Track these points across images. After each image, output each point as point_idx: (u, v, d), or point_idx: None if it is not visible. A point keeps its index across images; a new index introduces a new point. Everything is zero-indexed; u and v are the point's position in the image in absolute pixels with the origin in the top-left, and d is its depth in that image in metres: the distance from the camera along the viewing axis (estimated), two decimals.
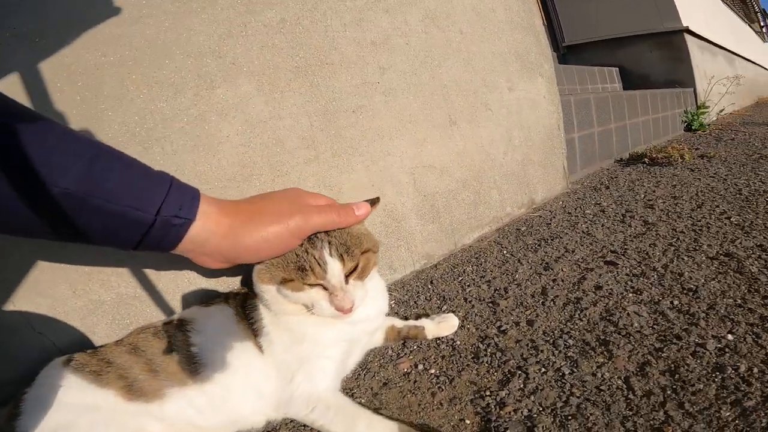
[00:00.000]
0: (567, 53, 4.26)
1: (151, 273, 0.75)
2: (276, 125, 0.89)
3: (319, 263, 0.61)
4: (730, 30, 5.72)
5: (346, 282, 0.65)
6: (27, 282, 0.66)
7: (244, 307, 0.72)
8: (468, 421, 0.65)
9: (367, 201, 0.69)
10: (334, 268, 0.63)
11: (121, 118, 0.70)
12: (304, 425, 0.67)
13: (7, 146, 0.39)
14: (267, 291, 0.66)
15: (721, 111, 3.98)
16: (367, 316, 0.73)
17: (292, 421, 0.68)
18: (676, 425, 0.58)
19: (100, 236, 0.48)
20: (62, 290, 0.68)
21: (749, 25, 7.47)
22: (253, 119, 0.86)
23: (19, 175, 0.40)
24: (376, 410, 0.67)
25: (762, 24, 8.65)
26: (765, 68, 7.42)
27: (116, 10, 0.71)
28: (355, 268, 0.66)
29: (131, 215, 0.46)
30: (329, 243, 0.62)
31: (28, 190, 0.41)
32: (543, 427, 0.61)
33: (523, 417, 0.64)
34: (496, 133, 1.45)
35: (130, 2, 0.73)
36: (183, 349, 0.65)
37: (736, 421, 0.57)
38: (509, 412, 0.65)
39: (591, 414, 0.62)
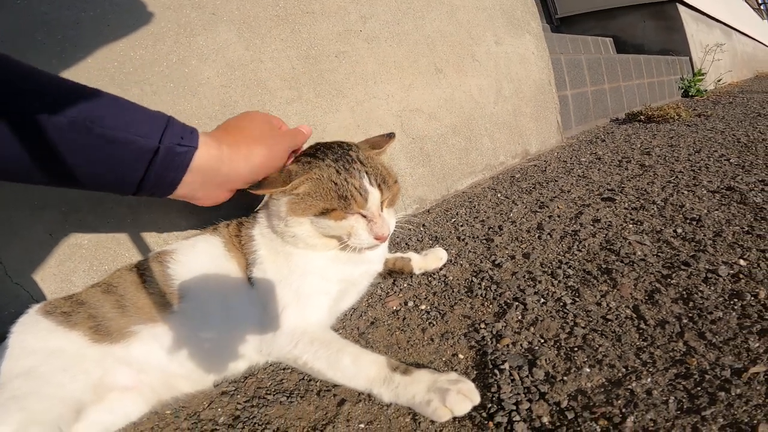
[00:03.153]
0: (560, 25, 4.00)
1: (130, 213, 0.67)
2: (257, 68, 0.82)
3: (360, 192, 0.55)
4: (727, 4, 5.30)
5: (381, 210, 0.57)
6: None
7: (239, 237, 0.62)
8: (461, 356, 0.55)
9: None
10: (375, 196, 0.56)
11: (101, 65, 0.67)
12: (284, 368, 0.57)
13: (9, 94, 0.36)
14: (298, 224, 0.57)
15: (719, 80, 3.67)
16: (371, 258, 0.64)
17: (271, 365, 0.59)
18: (700, 357, 0.47)
19: (101, 174, 0.42)
20: (38, 232, 0.61)
21: (746, 1, 6.92)
22: (233, 62, 0.79)
23: (20, 118, 0.36)
24: None
25: (760, 1, 8.03)
26: (764, 44, 6.91)
27: None
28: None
29: (138, 143, 0.42)
30: (367, 173, 0.56)
31: (32, 129, 0.37)
32: (546, 359, 0.51)
33: (523, 349, 0.54)
34: (484, 83, 1.33)
35: None
36: (158, 281, 0.56)
37: None
38: (507, 345, 0.55)
39: (600, 345, 0.52)
